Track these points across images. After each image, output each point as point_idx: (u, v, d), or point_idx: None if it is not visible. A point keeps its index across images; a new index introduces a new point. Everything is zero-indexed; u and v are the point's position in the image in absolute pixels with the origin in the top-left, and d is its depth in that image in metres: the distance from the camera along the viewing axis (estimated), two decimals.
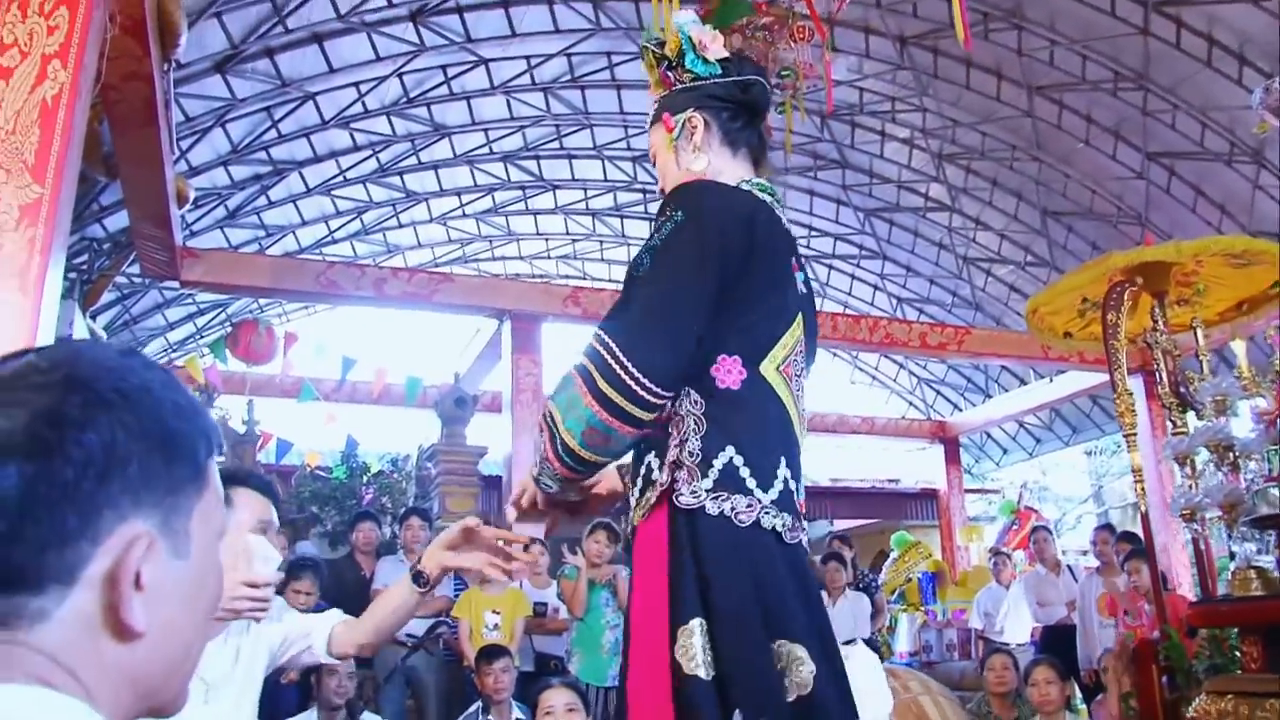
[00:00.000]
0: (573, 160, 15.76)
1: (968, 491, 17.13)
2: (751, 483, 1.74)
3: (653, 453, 1.80)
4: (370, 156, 14.01)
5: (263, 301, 14.96)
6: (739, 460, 1.74)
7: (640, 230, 17.42)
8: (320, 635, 2.27)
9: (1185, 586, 9.20)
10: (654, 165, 2.11)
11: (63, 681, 0.66)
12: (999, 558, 9.44)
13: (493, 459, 11.03)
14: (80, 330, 8.87)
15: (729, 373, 1.78)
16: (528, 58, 12.84)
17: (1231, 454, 3.71)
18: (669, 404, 1.75)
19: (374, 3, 10.87)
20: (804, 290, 2.00)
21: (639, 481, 1.83)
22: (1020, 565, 10.26)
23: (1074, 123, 12.89)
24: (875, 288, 18.53)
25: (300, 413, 13.68)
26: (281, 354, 11.74)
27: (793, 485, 1.82)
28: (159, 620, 0.71)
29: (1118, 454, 19.65)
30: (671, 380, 1.71)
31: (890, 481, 20.03)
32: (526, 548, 2.24)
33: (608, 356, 1.67)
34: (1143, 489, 4.35)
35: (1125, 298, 4.62)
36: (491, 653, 4.92)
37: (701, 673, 1.62)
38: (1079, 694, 6.55)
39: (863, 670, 2.78)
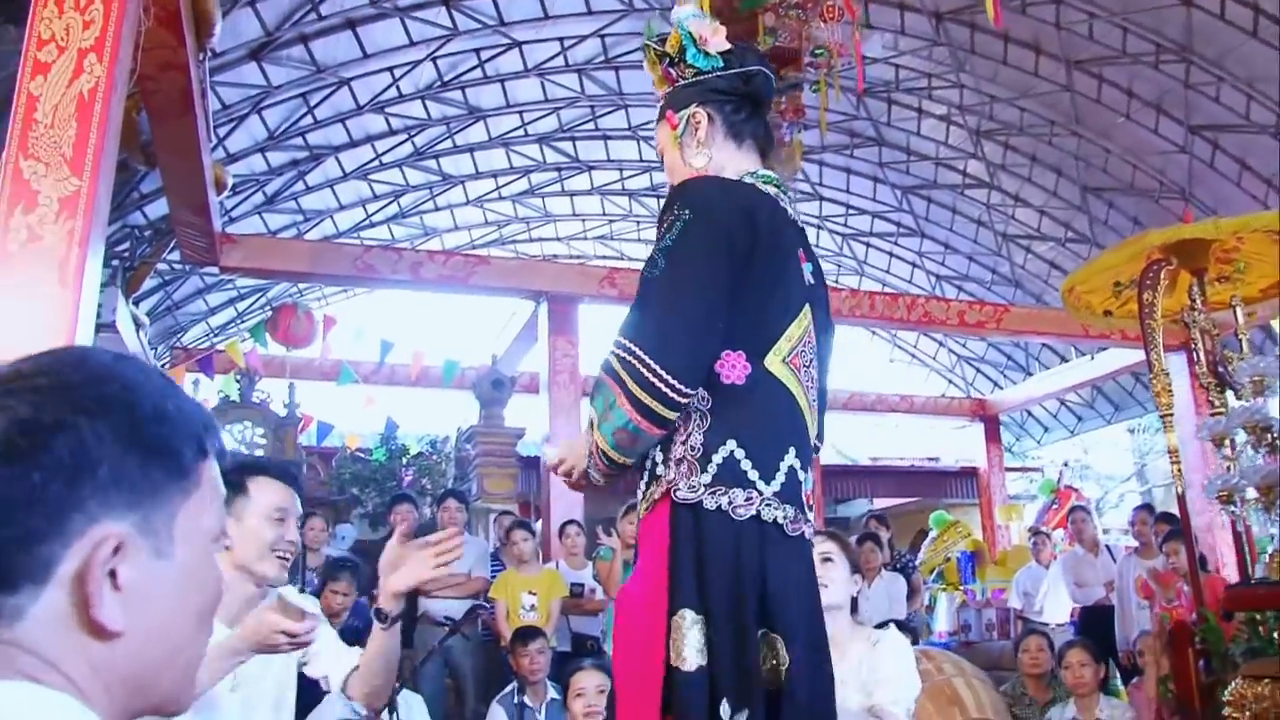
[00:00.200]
0: (608, 141, 15.74)
1: (1008, 470, 17.02)
2: (753, 475, 1.77)
3: (657, 448, 1.83)
4: (406, 140, 14.07)
5: (302, 286, 15.11)
6: (740, 453, 1.78)
7: None
8: (337, 678, 2.30)
9: (1231, 568, 9.09)
10: (662, 162, 2.13)
11: (51, 678, 0.69)
12: (1038, 537, 9.38)
13: (531, 440, 11.10)
14: (123, 316, 9.03)
15: (733, 368, 1.81)
16: (561, 39, 12.82)
17: (1270, 435, 3.67)
18: (691, 402, 1.78)
19: None
20: (812, 281, 2.01)
21: (645, 476, 1.87)
22: (1060, 545, 10.18)
23: (1114, 97, 12.66)
24: (913, 265, 18.37)
25: (340, 395, 13.86)
26: (321, 337, 11.86)
27: (800, 476, 1.85)
28: (143, 620, 0.73)
29: (1161, 432, 19.38)
30: (696, 378, 1.75)
31: (930, 460, 19.94)
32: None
33: (635, 361, 1.70)
34: (1179, 470, 4.30)
35: (1162, 276, 4.55)
36: (527, 634, 4.97)
37: (690, 663, 1.66)
38: (1118, 675, 6.52)
39: (892, 655, 2.78)
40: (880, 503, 19.02)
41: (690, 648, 1.66)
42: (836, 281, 19.14)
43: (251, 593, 2.23)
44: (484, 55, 12.77)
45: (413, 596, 6.30)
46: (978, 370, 20.24)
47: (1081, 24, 11.71)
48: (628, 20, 12.25)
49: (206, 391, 11.47)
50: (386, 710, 4.10)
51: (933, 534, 12.45)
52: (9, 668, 0.68)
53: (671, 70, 2.07)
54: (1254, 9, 10.45)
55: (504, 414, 10.76)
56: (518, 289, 10.67)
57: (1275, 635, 3.63)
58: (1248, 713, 3.36)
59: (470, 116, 14.08)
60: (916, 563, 9.50)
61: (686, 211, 1.81)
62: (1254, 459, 3.65)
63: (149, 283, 11.78)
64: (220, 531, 0.82)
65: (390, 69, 12.24)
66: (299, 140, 12.92)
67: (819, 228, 18.27)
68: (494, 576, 6.43)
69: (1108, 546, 7.87)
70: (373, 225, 15.96)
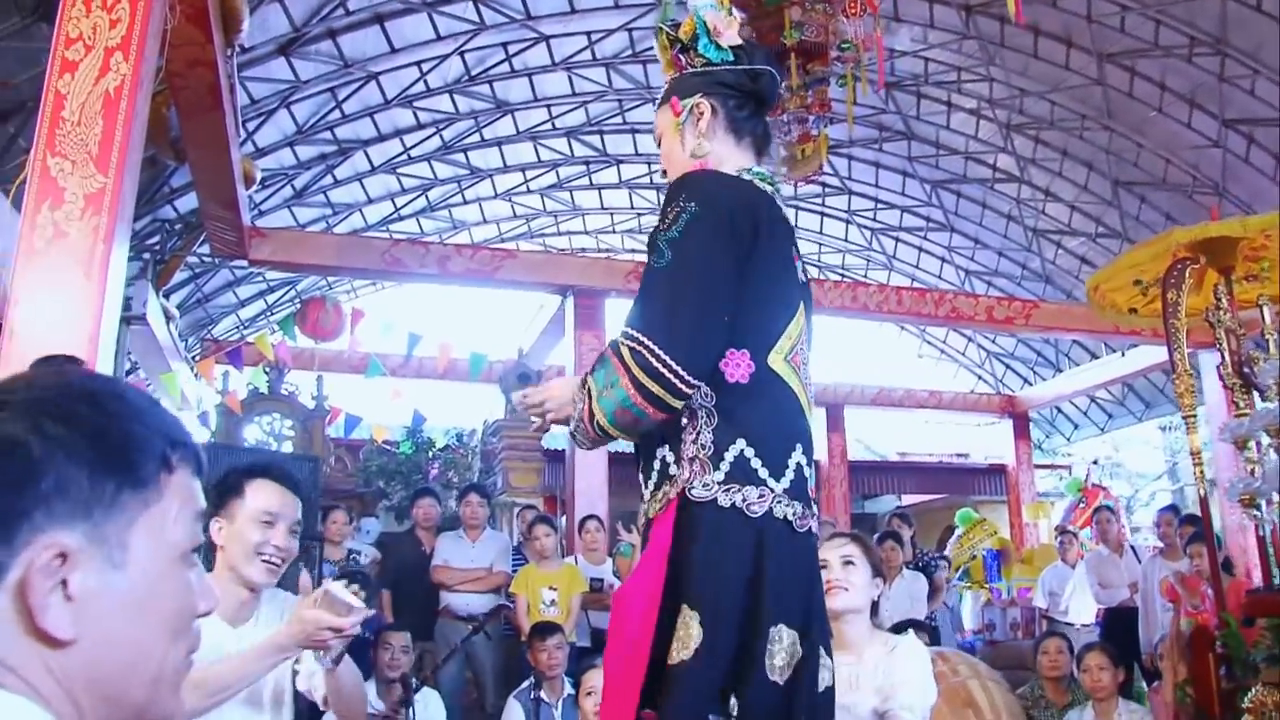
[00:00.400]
0: (636, 135, 15.73)
1: (1037, 467, 16.90)
2: (764, 473, 1.80)
3: (666, 447, 1.84)
4: (434, 134, 14.13)
5: (331, 279, 15.23)
6: (750, 452, 1.79)
7: None
8: (318, 691, 2.25)
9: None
10: (659, 146, 2.13)
11: (7, 680, 0.71)
12: (1065, 536, 9.29)
13: (556, 434, 11.11)
14: (154, 309, 9.12)
15: (738, 366, 1.83)
16: (588, 33, 12.82)
17: None
18: (698, 391, 1.79)
19: None
20: (803, 278, 2.03)
21: (653, 476, 1.87)
22: (1087, 544, 10.10)
23: (1147, 90, 12.49)
24: (943, 260, 18.24)
25: (367, 388, 13.93)
26: (349, 330, 11.93)
27: (806, 472, 1.88)
28: (99, 628, 0.74)
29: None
30: (704, 369, 1.77)
31: (959, 456, 19.82)
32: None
33: (644, 351, 1.71)
34: (1201, 472, 4.26)
35: (1187, 275, 4.50)
36: (545, 629, 4.99)
37: (692, 657, 1.67)
38: (1141, 679, 6.45)
39: (909, 660, 2.77)
40: (908, 499, 18.95)
41: (695, 642, 1.67)
42: (865, 276, 19.07)
43: (244, 596, 2.22)
44: (511, 49, 12.80)
45: (433, 591, 6.36)
46: (1007, 366, 20.09)
47: (1113, 16, 11.57)
48: (655, 14, 12.21)
49: (236, 383, 11.57)
50: (404, 707, 4.15)
51: (959, 532, 12.39)
52: None
53: (682, 57, 2.08)
54: None
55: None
56: (544, 283, 10.70)
57: None
58: None
59: (498, 110, 14.11)
60: (938, 561, 9.45)
61: (692, 204, 1.82)
62: (1276, 462, 3.60)
63: (179, 276, 11.92)
64: (192, 546, 0.83)
65: (418, 63, 12.29)
66: (327, 134, 13.01)
67: (848, 222, 18.19)
68: (515, 571, 6.46)
69: (1133, 547, 7.78)
70: (401, 219, 16.05)
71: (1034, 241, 16.32)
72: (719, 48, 2.05)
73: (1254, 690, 3.44)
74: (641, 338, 1.72)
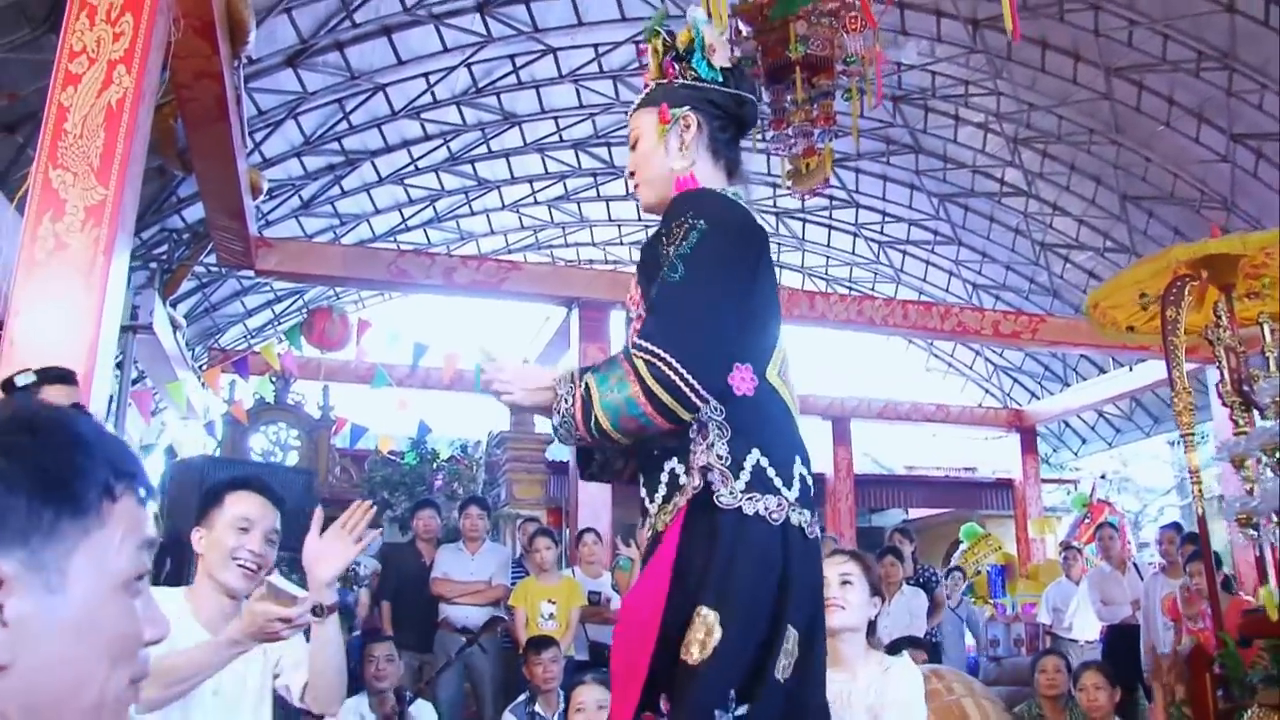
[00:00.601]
0: None
1: (1045, 481, 16.83)
2: (778, 482, 1.83)
3: (675, 459, 1.85)
4: (441, 145, 14.18)
5: (338, 289, 15.26)
6: (765, 462, 1.83)
7: None
8: (296, 688, 2.29)
9: None
10: (631, 147, 2.13)
11: None
12: (1069, 552, 9.26)
13: (562, 446, 11.10)
14: (160, 318, 9.15)
15: (743, 380, 1.86)
16: (595, 46, 12.86)
17: None
18: (705, 412, 1.81)
19: None
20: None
21: (660, 489, 1.88)
22: (1092, 560, 10.05)
23: (1154, 104, 12.48)
24: (950, 274, 18.21)
25: (373, 398, 13.95)
26: (355, 341, 11.94)
27: (809, 482, 1.92)
28: (34, 654, 0.75)
29: (1202, 444, 19.08)
30: (716, 384, 1.79)
31: (966, 470, 19.75)
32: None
33: (660, 363, 1.72)
34: (1200, 490, 4.24)
35: (1186, 292, 4.49)
36: (540, 643, 4.98)
37: (708, 658, 1.69)
38: (1145, 697, 6.41)
39: (901, 682, 2.78)
40: (915, 513, 18.89)
41: (715, 642, 1.69)
42: (873, 289, 19.05)
43: (225, 604, 2.26)
44: (519, 61, 12.86)
45: (433, 603, 6.36)
46: (1015, 380, 20.03)
47: (1121, 31, 11.56)
48: (652, 18, 12.25)
49: (242, 393, 11.60)
50: (397, 718, 4.15)
51: (963, 547, 12.34)
52: None
53: (675, 65, 2.08)
54: None
55: (534, 420, 10.78)
56: (549, 295, 10.72)
57: None
58: None
59: (505, 122, 14.16)
60: (942, 576, 9.41)
61: (701, 221, 1.83)
62: (1271, 481, 3.58)
63: (186, 285, 11.97)
64: (136, 574, 0.84)
65: (425, 75, 12.35)
66: (335, 145, 13.06)
67: (855, 235, 18.19)
68: (514, 584, 6.45)
69: (1135, 564, 7.74)
70: (409, 229, 16.09)
71: (1041, 255, 16.28)
72: (710, 66, 2.07)
73: (1250, 711, 3.41)
74: (658, 350, 1.73)
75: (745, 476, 1.80)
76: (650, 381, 1.72)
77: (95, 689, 0.79)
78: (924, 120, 14.68)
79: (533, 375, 1.90)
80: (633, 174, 2.12)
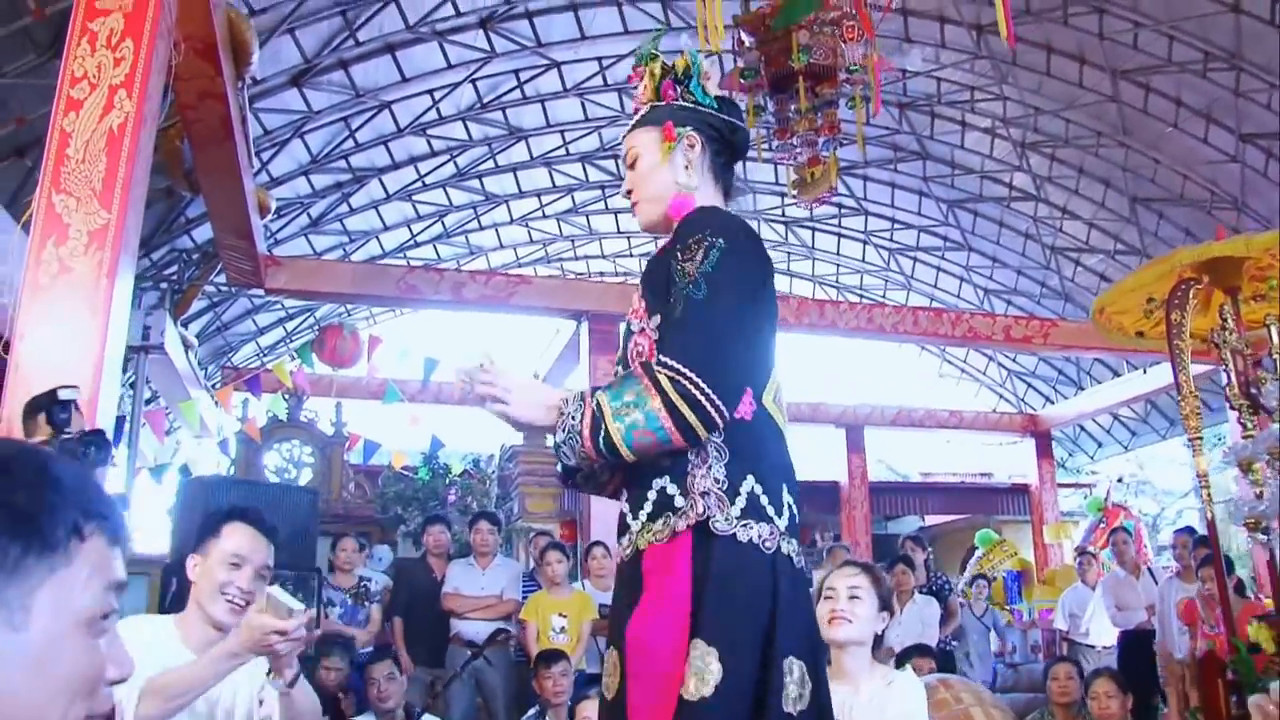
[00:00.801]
0: None
1: (1061, 486, 16.74)
2: (770, 510, 1.81)
3: (667, 478, 1.82)
4: (448, 161, 14.24)
5: (349, 306, 15.31)
6: (759, 489, 1.81)
7: None
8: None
9: None
10: (629, 166, 2.12)
11: None
12: (1084, 557, 9.20)
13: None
14: (172, 338, 9.21)
15: (744, 404, 1.84)
16: (599, 59, 12.90)
17: None
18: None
19: (443, 12, 11.02)
20: None
21: (646, 506, 1.85)
22: (1108, 565, 9.98)
23: (1162, 106, 12.43)
24: (961, 279, 18.17)
25: (386, 414, 13.98)
26: (366, 357, 11.98)
27: (795, 511, 1.88)
28: None
29: (1220, 445, 18.97)
30: (735, 403, 1.78)
31: (983, 476, 19.66)
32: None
33: (685, 380, 1.71)
34: (1209, 494, 4.20)
35: (1191, 295, 4.46)
36: (550, 657, 4.97)
37: (710, 693, 1.66)
38: (1163, 702, 6.35)
39: (904, 696, 2.76)
40: (931, 519, 18.81)
41: (711, 677, 1.66)
42: (884, 296, 19.01)
43: (212, 635, 2.26)
44: (523, 76, 12.92)
45: (444, 618, 6.35)
46: (1029, 385, 19.94)
47: (1126, 33, 11.53)
48: (665, 39, 12.18)
49: (255, 411, 11.64)
50: None
51: (979, 553, 12.27)
52: None
53: (674, 89, 2.08)
54: None
55: (546, 434, 10.77)
56: (559, 309, 10.75)
57: None
58: None
59: (511, 137, 14.21)
60: (963, 583, 9.36)
61: (720, 240, 1.83)
62: (1276, 484, 3.55)
63: (197, 304, 12.04)
64: (102, 612, 0.84)
65: (430, 91, 12.40)
66: (342, 163, 13.13)
67: (865, 242, 18.16)
68: (525, 598, 6.44)
69: (1149, 569, 7.68)
70: (418, 245, 16.15)
71: (1052, 259, 16.23)
72: (705, 93, 2.09)
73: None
74: (682, 368, 1.72)
75: (741, 503, 1.77)
76: (675, 398, 1.70)
77: None
78: (930, 127, 14.67)
79: (537, 391, 1.88)
80: (630, 192, 2.12)
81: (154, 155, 6.09)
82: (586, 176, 15.92)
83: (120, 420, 8.69)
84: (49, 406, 3.15)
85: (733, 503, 1.77)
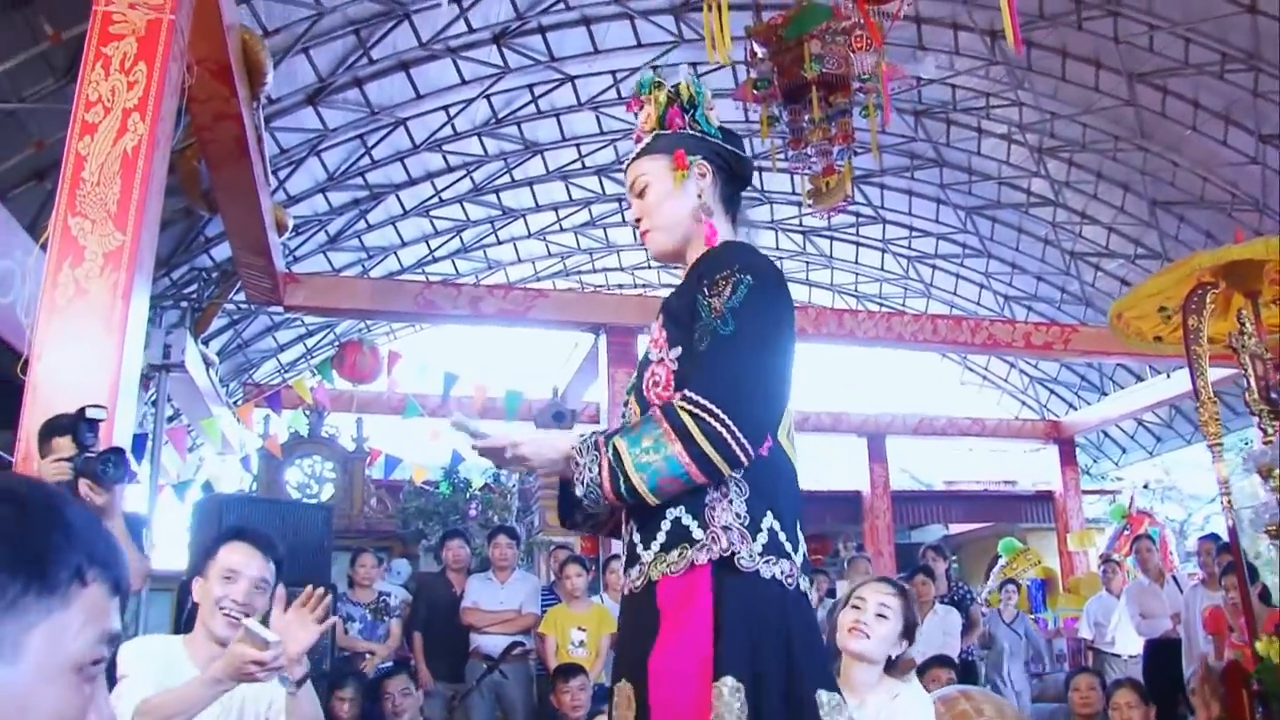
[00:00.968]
0: None
1: (1086, 493, 16.62)
2: (789, 547, 1.80)
3: (681, 509, 1.79)
4: (464, 176, 14.30)
5: (368, 321, 15.39)
6: (777, 525, 1.80)
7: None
8: None
9: None
10: (636, 194, 2.09)
11: None
12: (1108, 565, 9.11)
13: None
14: (192, 356, 9.28)
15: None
16: (613, 73, 12.93)
17: None
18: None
19: (456, 28, 11.08)
20: None
21: (659, 536, 1.82)
22: (1133, 572, 9.88)
23: (1180, 109, 12.34)
24: (981, 286, 18.07)
25: (406, 429, 14.02)
26: (386, 372, 12.04)
27: (804, 548, 1.88)
28: None
29: (1246, 450, 18.75)
30: (761, 441, 1.77)
31: (1008, 484, 19.53)
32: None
33: (709, 418, 1.70)
34: (1229, 500, 4.15)
35: (1208, 300, 4.42)
36: (567, 671, 4.97)
37: None
38: (1189, 713, 6.27)
39: (909, 711, 2.74)
40: (955, 528, 18.71)
41: (740, 714, 1.65)
42: (903, 304, 18.94)
43: (216, 651, 2.30)
44: (537, 91, 12.96)
45: (464, 633, 6.36)
46: (1051, 391, 19.80)
47: (1142, 36, 11.46)
48: (678, 51, 12.32)
49: (277, 427, 11.72)
50: None
51: (1002, 561, 12.18)
52: None
53: (681, 116, 2.07)
54: None
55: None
56: (577, 322, 10.76)
57: None
58: None
59: (527, 151, 14.26)
60: (985, 595, 9.30)
61: (748, 275, 1.82)
62: None
63: (218, 322, 12.13)
64: (93, 660, 0.85)
65: (445, 108, 12.46)
66: (359, 180, 13.20)
67: (883, 250, 18.10)
68: (544, 611, 6.43)
69: (1174, 577, 7.60)
70: (436, 260, 16.21)
71: (1072, 265, 16.12)
72: (709, 122, 2.08)
73: None
74: (708, 404, 1.70)
75: (762, 539, 1.76)
76: (698, 437, 1.69)
77: None
78: (946, 134, 14.62)
79: (552, 442, 1.87)
80: (639, 220, 2.08)
81: (172, 175, 6.16)
82: (603, 189, 15.94)
83: (142, 438, 8.79)
84: (76, 426, 3.19)
85: (754, 539, 1.76)
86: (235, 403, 12.38)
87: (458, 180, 14.30)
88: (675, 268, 2.12)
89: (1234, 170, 12.70)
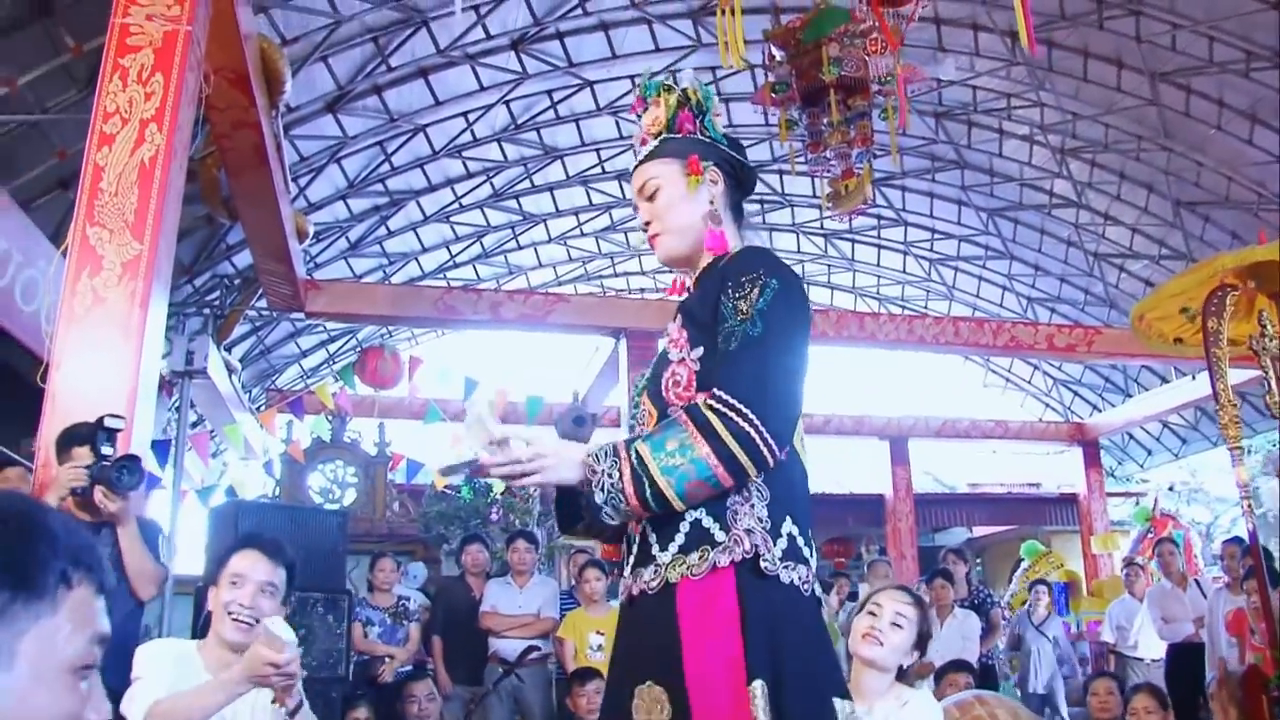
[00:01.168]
0: None
1: (1111, 495, 16.46)
2: (806, 552, 1.81)
3: (701, 510, 1.77)
4: (484, 182, 14.35)
5: (390, 327, 15.48)
6: (795, 531, 1.80)
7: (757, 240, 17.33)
8: None
9: None
10: (646, 197, 2.08)
11: None
12: (1131, 568, 9.02)
13: None
14: (215, 362, 9.35)
15: None
16: (631, 77, 12.91)
17: None
18: None
19: (474, 35, 11.13)
20: None
21: (677, 537, 1.79)
22: (1157, 576, 9.79)
23: (1203, 108, 12.23)
24: (1003, 289, 17.96)
25: (428, 434, 14.08)
26: (407, 378, 12.09)
27: (814, 554, 1.89)
28: None
29: (1274, 451, 18.53)
30: (787, 443, 1.78)
31: (1032, 486, 19.39)
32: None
33: (738, 419, 1.69)
34: (1249, 504, 4.11)
35: (1229, 301, 4.36)
36: (584, 675, 4.98)
37: None
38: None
39: (917, 717, 2.74)
40: (979, 531, 18.59)
41: (766, 718, 1.65)
42: (925, 307, 18.85)
43: (228, 657, 2.33)
44: (556, 96, 13.00)
45: (483, 637, 6.38)
46: (1075, 393, 19.66)
47: (1164, 35, 11.37)
48: (697, 55, 12.32)
49: (300, 432, 11.79)
50: None
51: (1024, 565, 12.10)
52: None
53: (691, 121, 2.06)
54: None
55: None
56: (597, 326, 10.76)
57: None
58: None
59: (547, 156, 14.30)
60: (1006, 598, 9.24)
61: (774, 280, 1.82)
62: None
63: (240, 329, 12.21)
64: (84, 662, 0.88)
65: (464, 114, 12.52)
66: (379, 187, 13.28)
67: (905, 253, 18.03)
68: (563, 616, 6.45)
69: (1197, 581, 7.51)
70: (457, 266, 16.28)
71: (1096, 266, 15.99)
72: (716, 129, 2.08)
73: None
74: (736, 403, 1.70)
75: (782, 544, 1.76)
76: (725, 437, 1.68)
77: None
78: (968, 135, 14.55)
79: (565, 450, 1.81)
80: (648, 224, 2.07)
81: (192, 183, 6.22)
82: (624, 194, 15.94)
83: (166, 444, 8.87)
84: (94, 435, 3.24)
85: (775, 544, 1.75)
86: (258, 408, 12.47)
87: (478, 186, 14.36)
88: (687, 272, 2.11)
89: (1260, 169, 12.57)
